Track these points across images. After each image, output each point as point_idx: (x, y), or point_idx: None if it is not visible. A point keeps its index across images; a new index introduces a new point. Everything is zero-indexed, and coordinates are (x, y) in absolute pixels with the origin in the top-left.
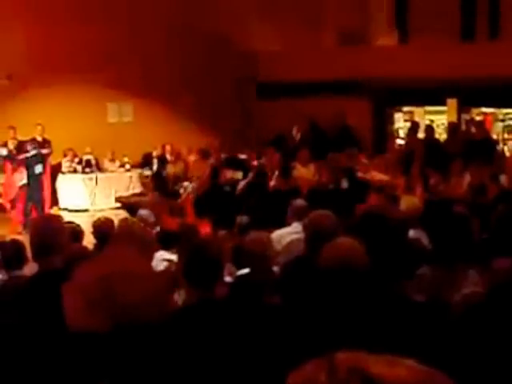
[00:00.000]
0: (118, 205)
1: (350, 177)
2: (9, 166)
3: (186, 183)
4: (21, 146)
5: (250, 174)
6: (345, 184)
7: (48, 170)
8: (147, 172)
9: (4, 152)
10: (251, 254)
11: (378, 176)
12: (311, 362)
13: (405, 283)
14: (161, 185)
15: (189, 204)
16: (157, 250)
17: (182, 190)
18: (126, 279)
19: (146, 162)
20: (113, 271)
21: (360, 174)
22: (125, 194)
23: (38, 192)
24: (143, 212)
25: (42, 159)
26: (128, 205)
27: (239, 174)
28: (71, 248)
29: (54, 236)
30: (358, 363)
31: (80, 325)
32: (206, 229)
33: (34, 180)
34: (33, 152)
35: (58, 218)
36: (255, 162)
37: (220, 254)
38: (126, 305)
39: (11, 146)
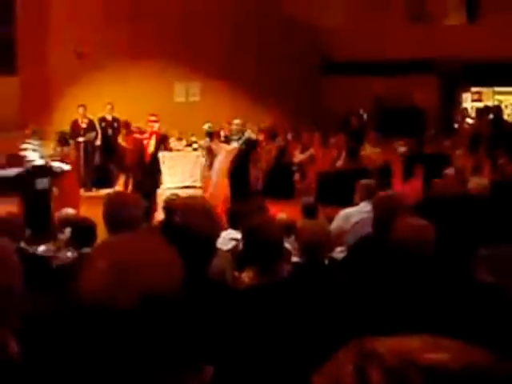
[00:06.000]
0: (186, 183)
1: None
2: None
3: None
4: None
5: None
6: None
7: None
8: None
9: None
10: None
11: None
12: (339, 353)
13: (472, 264)
14: None
15: None
16: (225, 229)
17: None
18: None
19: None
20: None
21: None
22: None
23: None
24: None
25: None
26: None
27: None
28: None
29: (129, 212)
30: (408, 354)
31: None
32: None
33: None
34: None
35: (135, 196)
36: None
37: (279, 235)
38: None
39: (83, 124)
